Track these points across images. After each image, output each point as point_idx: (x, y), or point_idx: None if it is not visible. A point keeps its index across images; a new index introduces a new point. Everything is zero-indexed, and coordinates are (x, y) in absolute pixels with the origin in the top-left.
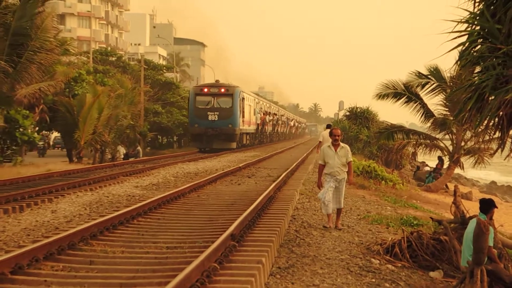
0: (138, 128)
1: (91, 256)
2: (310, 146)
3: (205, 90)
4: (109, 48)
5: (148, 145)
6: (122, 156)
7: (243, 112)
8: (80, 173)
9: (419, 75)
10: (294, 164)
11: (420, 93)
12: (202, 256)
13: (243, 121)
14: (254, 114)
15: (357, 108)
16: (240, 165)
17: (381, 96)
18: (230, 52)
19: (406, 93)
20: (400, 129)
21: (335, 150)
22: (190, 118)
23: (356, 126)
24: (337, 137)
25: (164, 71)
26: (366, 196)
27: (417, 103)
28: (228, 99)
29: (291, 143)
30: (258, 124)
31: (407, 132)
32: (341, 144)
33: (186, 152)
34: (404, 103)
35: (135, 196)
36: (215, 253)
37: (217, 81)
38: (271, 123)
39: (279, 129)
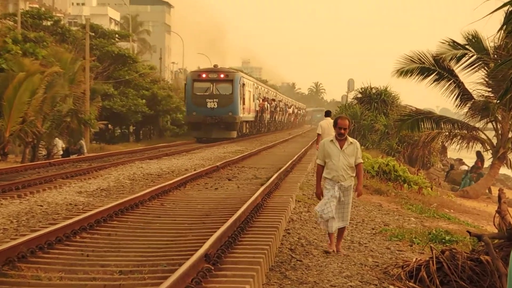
0: (82, 116)
1: (20, 284)
2: (309, 139)
3: (204, 75)
4: (43, 9)
5: (96, 137)
6: (61, 153)
7: (244, 99)
8: (5, 175)
9: (453, 44)
10: (289, 163)
11: (454, 68)
12: (166, 284)
13: (243, 108)
14: (253, 101)
15: (371, 88)
16: (218, 163)
17: (403, 72)
18: (202, 14)
19: (436, 68)
20: (428, 116)
21: (341, 147)
22: (188, 106)
23: (370, 113)
24: (343, 130)
25: (117, 39)
26: (384, 204)
27: (451, 81)
28: (228, 85)
29: (284, 134)
30: (257, 111)
31: (438, 120)
32: (349, 138)
33: (146, 147)
34: (434, 81)
35: (78, 205)
36: (184, 279)
37: (215, 65)
38: (269, 110)
39: (277, 117)
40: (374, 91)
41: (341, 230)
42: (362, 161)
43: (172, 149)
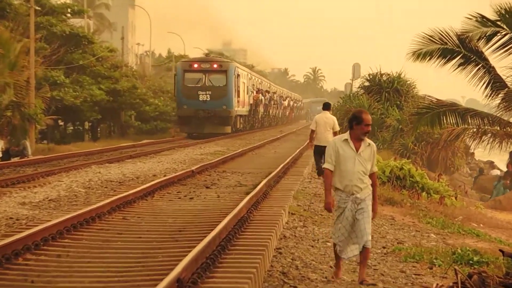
0: (26, 109)
1: None
2: (305, 138)
3: (195, 65)
4: None
5: (43, 136)
6: (0, 155)
7: (238, 91)
8: None
9: (483, 20)
10: (281, 166)
11: (484, 50)
12: None
13: (238, 101)
14: (247, 93)
15: (381, 75)
16: (193, 167)
17: (421, 55)
18: None
19: (461, 49)
20: (451, 108)
21: (356, 149)
22: (178, 98)
23: (380, 105)
24: (368, 128)
25: (69, 16)
26: (397, 217)
27: (479, 66)
28: (221, 76)
29: (276, 132)
30: (251, 104)
31: (463, 113)
32: (366, 139)
33: (105, 148)
34: (458, 66)
35: (20, 219)
36: None
37: (207, 55)
38: (263, 103)
39: (271, 111)
40: (385, 78)
41: (364, 253)
42: (376, 170)
43: (137, 150)
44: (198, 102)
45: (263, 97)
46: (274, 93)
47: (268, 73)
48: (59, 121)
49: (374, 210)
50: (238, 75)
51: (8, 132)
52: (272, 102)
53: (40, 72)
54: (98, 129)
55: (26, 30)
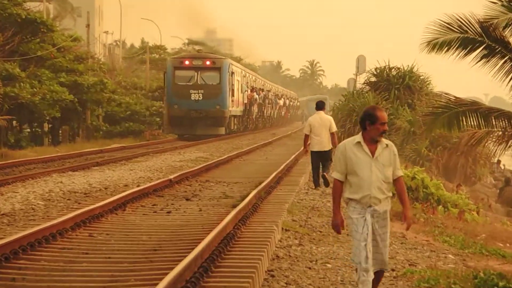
0: None
1: None
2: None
3: (186, 62)
4: None
5: None
6: None
7: (233, 90)
8: None
9: (509, 5)
10: (273, 175)
11: (511, 39)
12: None
13: (232, 101)
14: (242, 92)
15: (390, 69)
16: (171, 176)
17: (437, 45)
18: None
19: (484, 39)
20: (472, 108)
21: (372, 153)
22: (168, 98)
23: (389, 104)
24: (384, 127)
25: None
26: (409, 235)
27: (506, 58)
28: (215, 74)
29: (267, 135)
30: (245, 104)
31: (487, 113)
32: (383, 140)
33: (68, 153)
34: (481, 58)
35: None
36: None
37: (199, 51)
38: (257, 102)
39: (265, 111)
40: (394, 72)
41: (377, 275)
42: (402, 174)
43: (105, 155)
44: (190, 101)
45: (257, 96)
46: (269, 91)
47: (258, 66)
48: (14, 121)
49: (408, 218)
50: (233, 73)
51: None
52: (267, 101)
53: None
54: (59, 131)
55: None
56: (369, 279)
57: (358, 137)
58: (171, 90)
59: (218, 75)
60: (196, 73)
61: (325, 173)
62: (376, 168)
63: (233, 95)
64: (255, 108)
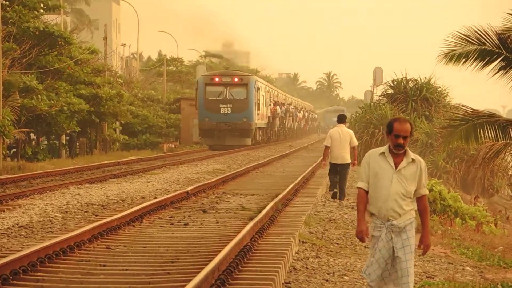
0: None
1: None
2: (318, 154)
3: (216, 79)
4: None
5: (12, 152)
6: None
7: (258, 104)
8: None
9: None
10: (290, 187)
11: None
12: None
13: (258, 114)
14: (266, 106)
15: (407, 81)
16: (188, 188)
17: (454, 57)
18: None
19: (502, 51)
20: (490, 120)
21: (396, 165)
22: (200, 111)
23: (406, 115)
24: (403, 139)
25: (43, 11)
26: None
27: None
28: (242, 90)
29: (283, 147)
30: (269, 117)
31: (505, 125)
32: (410, 153)
33: (85, 165)
34: (499, 70)
35: None
36: None
37: (227, 68)
38: (279, 115)
39: (286, 124)
40: (411, 84)
41: None
42: (427, 193)
43: (122, 168)
44: (220, 115)
45: (280, 110)
46: (289, 104)
47: (275, 79)
48: (31, 134)
49: (425, 242)
50: (258, 88)
51: None
52: (288, 114)
53: (9, 77)
54: (77, 143)
55: None
56: None
57: (384, 148)
58: (203, 105)
59: (245, 91)
60: (225, 89)
61: (342, 187)
62: (397, 180)
63: (258, 109)
64: (277, 121)
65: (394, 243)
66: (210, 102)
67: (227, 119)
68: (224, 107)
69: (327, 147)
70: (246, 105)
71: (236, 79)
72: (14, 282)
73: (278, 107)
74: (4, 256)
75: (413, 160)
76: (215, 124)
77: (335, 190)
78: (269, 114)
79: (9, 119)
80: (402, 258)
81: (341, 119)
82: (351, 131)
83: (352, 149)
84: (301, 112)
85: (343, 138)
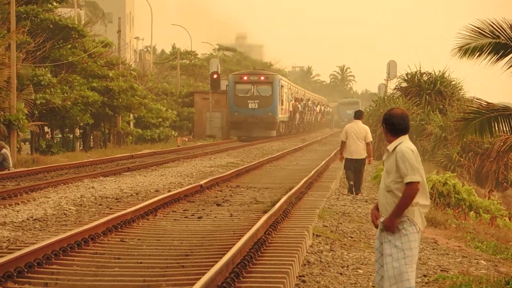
0: (6, 114)
1: None
2: (331, 147)
3: (245, 78)
4: None
5: (27, 145)
6: None
7: (282, 100)
8: None
9: None
10: (304, 180)
11: None
12: None
13: (281, 109)
14: (288, 102)
15: (421, 74)
16: (202, 182)
17: (469, 51)
18: None
19: None
20: (505, 113)
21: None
22: (230, 107)
23: (420, 109)
24: (385, 133)
25: (56, 4)
26: (440, 240)
27: None
28: (268, 87)
29: (296, 141)
30: (290, 111)
31: None
32: (395, 142)
33: (99, 159)
34: None
35: (0, 241)
36: None
37: (254, 68)
38: (299, 110)
39: (305, 118)
40: (425, 78)
41: None
42: (410, 180)
43: (136, 161)
44: (248, 109)
45: (299, 105)
46: (308, 99)
47: (288, 72)
48: (45, 127)
49: (384, 222)
50: (282, 86)
51: None
52: (306, 109)
53: (23, 71)
54: (91, 137)
55: (5, 21)
56: None
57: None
58: (233, 101)
59: (270, 88)
60: (252, 87)
61: (359, 181)
62: (384, 173)
63: (282, 104)
64: (297, 115)
65: (382, 240)
66: (239, 98)
67: (254, 114)
68: (251, 103)
69: (343, 142)
70: (271, 101)
71: (262, 78)
72: (29, 275)
73: (298, 103)
74: (19, 249)
75: (394, 149)
76: (243, 118)
77: (351, 182)
78: (290, 109)
79: (23, 112)
80: (386, 259)
81: (358, 115)
82: (366, 127)
83: (367, 145)
84: (318, 106)
85: (359, 133)
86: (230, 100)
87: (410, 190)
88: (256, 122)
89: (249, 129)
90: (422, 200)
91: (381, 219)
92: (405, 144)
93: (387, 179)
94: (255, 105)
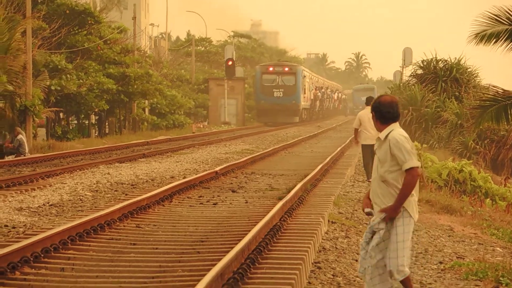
0: (22, 100)
1: None
2: (347, 134)
3: (271, 69)
4: None
5: (41, 131)
6: None
7: (304, 89)
8: None
9: None
10: (319, 167)
11: None
12: None
13: (304, 97)
14: (309, 90)
15: (437, 61)
16: (217, 168)
17: (485, 37)
18: None
19: None
20: None
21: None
22: (257, 95)
23: (436, 96)
24: (373, 113)
25: None
26: (456, 227)
27: None
28: (291, 77)
29: (311, 128)
30: (311, 99)
31: None
32: (386, 130)
33: (114, 145)
34: None
35: (17, 226)
36: None
37: (280, 60)
38: (320, 98)
39: (324, 105)
40: (441, 65)
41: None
42: (410, 165)
43: (151, 147)
44: (273, 98)
45: (319, 93)
46: (327, 88)
47: (303, 59)
48: (61, 113)
49: (385, 209)
50: (304, 76)
51: (1, 126)
52: (326, 96)
53: (39, 57)
54: (106, 123)
55: (21, 7)
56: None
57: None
58: (259, 90)
59: (294, 78)
60: (277, 77)
61: None
62: (376, 165)
63: (304, 93)
64: (318, 103)
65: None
66: (265, 87)
67: (279, 101)
68: (277, 91)
69: (356, 129)
70: (295, 90)
71: (286, 69)
72: (45, 260)
73: (318, 91)
74: (35, 234)
75: (386, 138)
76: (269, 105)
77: (368, 168)
78: (312, 97)
79: (38, 98)
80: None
81: (369, 101)
82: None
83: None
84: (336, 93)
85: (372, 119)
86: (257, 89)
87: (412, 176)
88: (281, 109)
89: (275, 116)
90: (415, 191)
91: (376, 209)
92: (397, 131)
93: (380, 169)
94: (280, 94)
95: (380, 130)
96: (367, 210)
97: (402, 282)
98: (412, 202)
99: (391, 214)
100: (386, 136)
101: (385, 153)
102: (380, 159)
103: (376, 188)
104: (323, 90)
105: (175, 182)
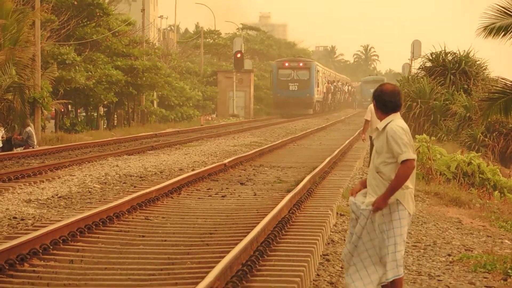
0: (31, 92)
1: None
2: (355, 127)
3: (286, 64)
4: None
5: (51, 123)
6: (0, 145)
7: (318, 83)
8: None
9: None
10: (327, 160)
11: None
12: None
13: (317, 90)
14: (322, 84)
15: (446, 54)
16: (226, 161)
17: (494, 30)
18: None
19: None
20: None
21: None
22: (273, 89)
23: (444, 89)
24: (376, 103)
25: None
26: (465, 220)
27: None
28: (306, 72)
29: (319, 120)
30: (324, 93)
31: None
32: (385, 120)
33: (123, 137)
34: None
35: (25, 218)
36: None
37: (295, 56)
38: (331, 91)
39: (336, 97)
40: (450, 57)
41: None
42: (406, 157)
43: (160, 140)
44: (289, 91)
45: (332, 87)
46: (338, 81)
47: (312, 51)
48: (69, 106)
49: (373, 203)
50: (318, 71)
51: (9, 118)
52: (337, 89)
53: (48, 49)
54: (115, 115)
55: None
56: (347, 274)
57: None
58: (276, 83)
59: (308, 73)
60: (293, 71)
61: None
62: (373, 155)
63: (317, 87)
64: (330, 96)
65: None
66: (281, 81)
67: (294, 95)
68: (292, 85)
69: (367, 121)
70: (309, 84)
71: (301, 64)
72: (54, 252)
73: (330, 85)
74: (44, 226)
75: (384, 128)
76: (285, 98)
77: None
78: (324, 91)
79: (47, 90)
80: (383, 237)
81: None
82: None
83: None
84: (346, 87)
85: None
86: (274, 83)
87: (407, 168)
88: (296, 102)
89: (290, 108)
90: (411, 183)
91: (370, 199)
92: (395, 122)
93: (376, 160)
94: (295, 87)
95: (380, 119)
96: (351, 198)
97: (392, 283)
98: (407, 194)
99: (379, 204)
100: (385, 127)
101: (382, 144)
102: (377, 149)
103: (371, 179)
104: (334, 83)
105: (183, 174)
